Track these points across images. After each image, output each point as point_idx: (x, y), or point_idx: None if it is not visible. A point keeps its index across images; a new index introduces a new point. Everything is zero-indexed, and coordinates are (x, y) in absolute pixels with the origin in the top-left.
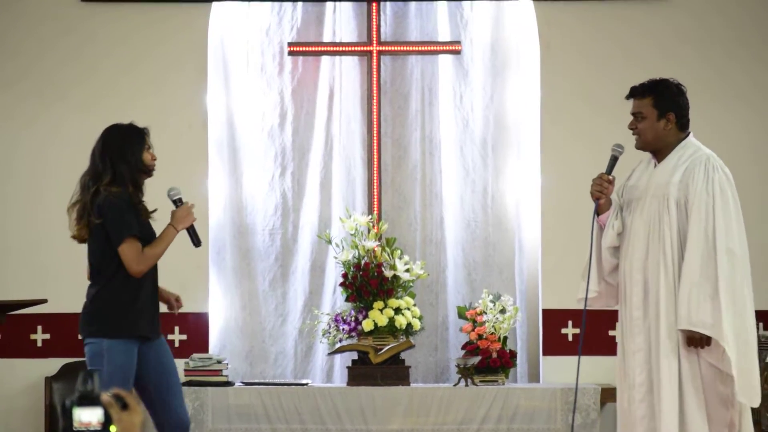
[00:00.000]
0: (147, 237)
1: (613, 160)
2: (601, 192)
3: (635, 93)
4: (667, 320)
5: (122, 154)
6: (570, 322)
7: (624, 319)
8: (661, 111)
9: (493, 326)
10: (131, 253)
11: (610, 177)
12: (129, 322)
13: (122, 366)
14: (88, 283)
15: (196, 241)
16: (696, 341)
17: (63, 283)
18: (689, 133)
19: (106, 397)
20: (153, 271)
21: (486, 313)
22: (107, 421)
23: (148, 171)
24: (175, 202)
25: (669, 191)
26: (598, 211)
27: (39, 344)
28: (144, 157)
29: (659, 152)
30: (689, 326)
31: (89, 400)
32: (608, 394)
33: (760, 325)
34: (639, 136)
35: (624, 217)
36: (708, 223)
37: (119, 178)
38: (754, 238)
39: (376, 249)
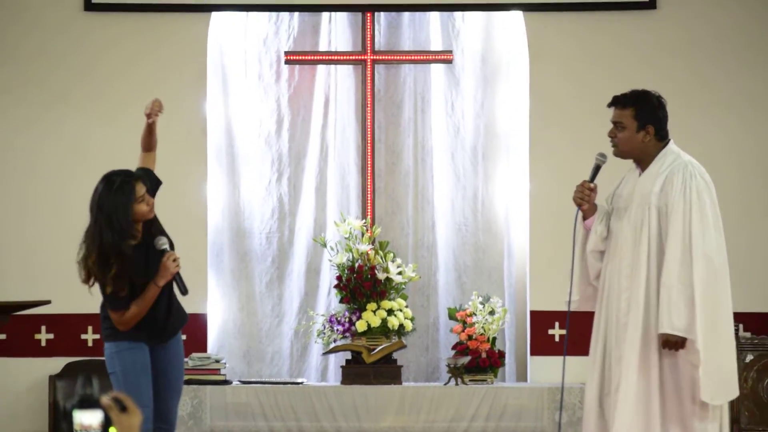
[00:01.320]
0: (141, 280)
1: (596, 168)
2: (583, 199)
3: (617, 102)
4: (645, 324)
5: (108, 220)
6: (557, 323)
7: (608, 324)
8: (641, 123)
9: (482, 327)
10: (115, 320)
11: (592, 185)
12: (136, 330)
13: (134, 362)
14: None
15: (183, 290)
16: (671, 344)
17: (66, 284)
18: (669, 141)
19: (105, 400)
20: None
21: (476, 315)
22: (107, 423)
23: (141, 220)
24: (161, 252)
25: (651, 200)
26: (583, 217)
27: (43, 344)
28: (136, 209)
29: (641, 162)
30: (667, 330)
31: (89, 403)
32: None
33: (740, 326)
34: (617, 145)
35: (611, 224)
36: (685, 229)
37: (107, 246)
38: (736, 241)
39: (369, 252)
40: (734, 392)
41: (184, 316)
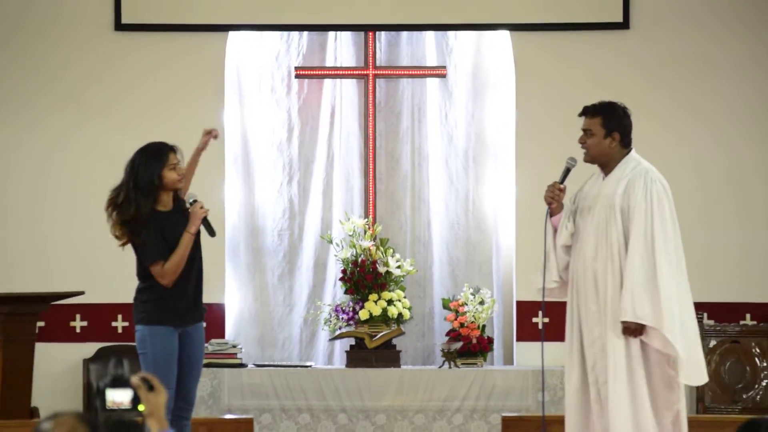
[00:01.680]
0: (177, 240)
1: (566, 171)
2: (553, 198)
3: (587, 112)
4: (613, 312)
5: (136, 180)
6: (540, 312)
7: (580, 312)
8: (608, 130)
9: (473, 316)
10: (156, 273)
11: (562, 186)
12: (167, 313)
13: (164, 348)
14: (126, 277)
15: (211, 232)
16: (631, 331)
17: (98, 276)
18: (631, 149)
19: (135, 379)
20: (198, 264)
21: (467, 305)
22: (136, 400)
23: (166, 187)
24: (190, 204)
25: (615, 201)
26: (551, 214)
27: (78, 330)
28: (164, 176)
29: (606, 166)
30: (631, 318)
31: (120, 382)
32: None
33: (704, 315)
34: (587, 150)
35: (577, 222)
36: (647, 228)
37: (132, 201)
38: (700, 239)
39: (371, 248)
40: (705, 376)
41: (204, 308)
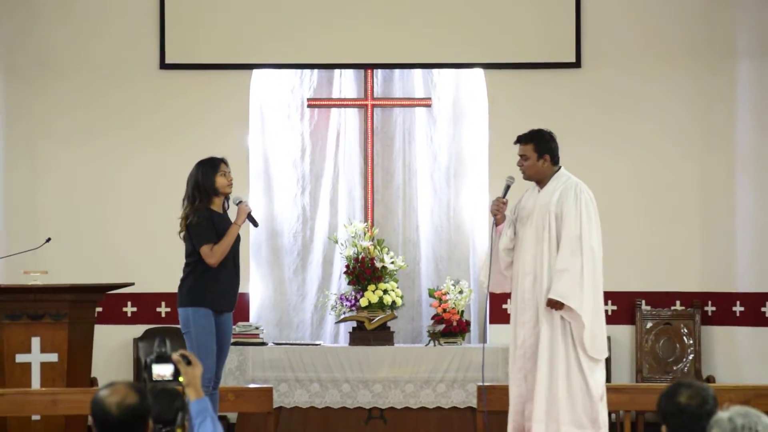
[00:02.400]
0: (225, 231)
1: (507, 187)
2: (498, 210)
3: (521, 140)
4: (546, 299)
5: (196, 183)
6: (509, 300)
7: (517, 300)
8: (540, 153)
9: (453, 303)
10: (205, 253)
11: (504, 200)
12: (205, 297)
13: (205, 327)
14: (168, 271)
15: (255, 223)
16: (553, 304)
17: (145, 271)
18: (560, 166)
19: (175, 356)
20: (234, 257)
21: (449, 294)
22: (177, 373)
23: (218, 192)
24: (237, 204)
25: (550, 209)
26: (496, 223)
27: (129, 315)
28: (216, 180)
29: (540, 182)
30: (557, 297)
31: (163, 358)
32: None
33: (643, 301)
34: (524, 171)
35: (517, 229)
36: (576, 229)
37: (194, 200)
38: (633, 238)
39: (369, 247)
40: (606, 352)
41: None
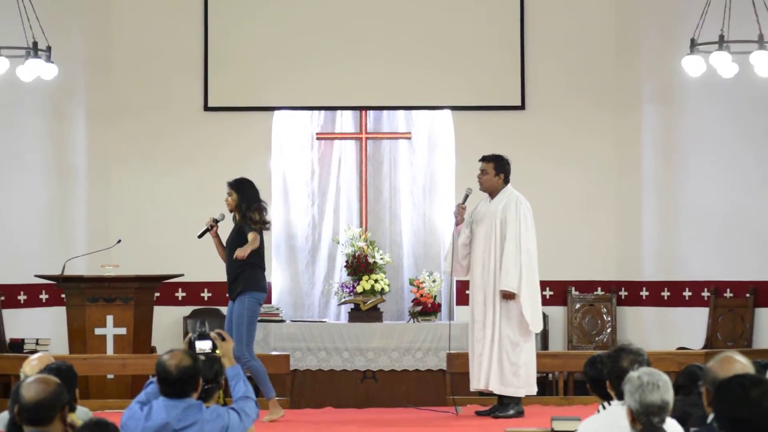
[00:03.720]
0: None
1: (466, 196)
2: (458, 213)
3: (484, 159)
4: (494, 286)
5: (254, 199)
6: (469, 286)
7: (472, 284)
8: (497, 172)
9: (428, 289)
10: (252, 239)
11: (464, 206)
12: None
13: (251, 311)
14: (208, 265)
15: (199, 235)
16: (507, 296)
17: (192, 264)
18: (509, 183)
19: (213, 333)
20: (228, 252)
21: (425, 283)
22: (214, 347)
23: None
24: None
25: (497, 215)
26: (456, 224)
27: (179, 298)
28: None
29: (492, 194)
30: (505, 287)
31: (204, 336)
32: None
33: (572, 288)
34: (482, 184)
35: (474, 229)
36: (517, 233)
37: (248, 211)
38: (564, 237)
39: (364, 247)
40: (540, 326)
41: (236, 289)
